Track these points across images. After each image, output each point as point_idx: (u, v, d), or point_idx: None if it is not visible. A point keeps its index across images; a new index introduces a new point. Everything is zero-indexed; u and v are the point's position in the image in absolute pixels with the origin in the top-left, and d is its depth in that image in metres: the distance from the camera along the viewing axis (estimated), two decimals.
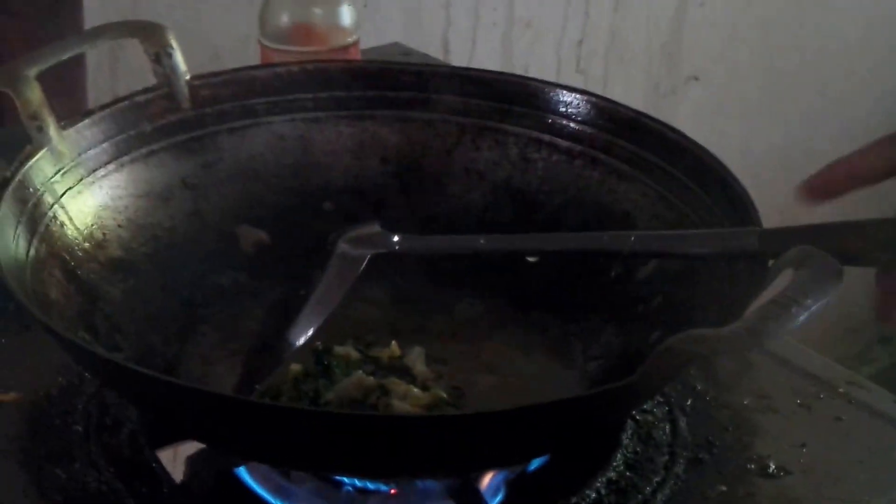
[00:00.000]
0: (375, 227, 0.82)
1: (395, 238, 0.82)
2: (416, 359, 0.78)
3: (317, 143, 0.87)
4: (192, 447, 0.72)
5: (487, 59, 1.55)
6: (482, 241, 0.81)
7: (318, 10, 0.96)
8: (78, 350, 0.64)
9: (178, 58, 0.82)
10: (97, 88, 1.16)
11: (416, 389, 0.74)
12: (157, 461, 0.72)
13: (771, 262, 0.65)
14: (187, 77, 0.83)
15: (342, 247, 0.81)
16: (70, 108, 0.99)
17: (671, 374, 0.63)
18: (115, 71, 1.21)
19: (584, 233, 0.81)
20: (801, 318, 0.54)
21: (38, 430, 0.74)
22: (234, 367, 0.76)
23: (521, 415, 0.57)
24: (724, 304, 0.66)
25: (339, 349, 0.77)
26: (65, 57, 0.79)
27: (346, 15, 0.96)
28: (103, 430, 0.74)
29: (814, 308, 0.55)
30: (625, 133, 0.83)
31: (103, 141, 0.79)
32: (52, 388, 0.77)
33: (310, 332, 0.77)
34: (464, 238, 0.83)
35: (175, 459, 0.73)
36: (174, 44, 0.82)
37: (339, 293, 0.79)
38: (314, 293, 0.79)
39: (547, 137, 0.85)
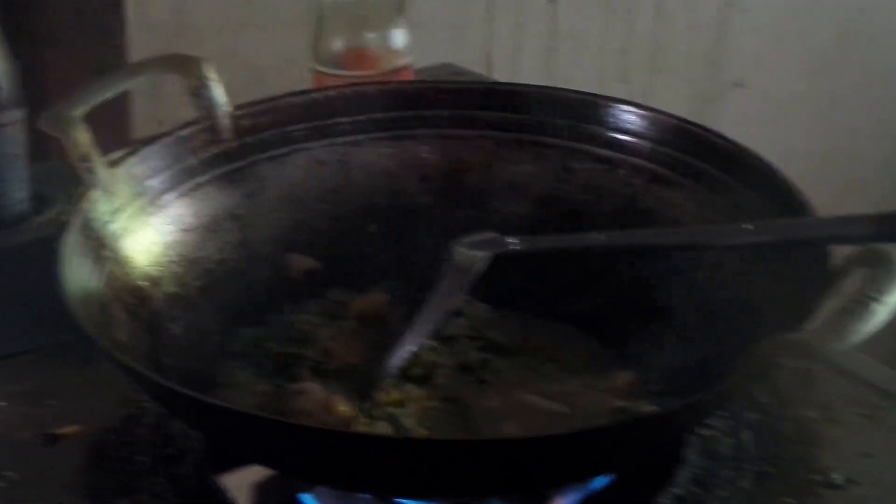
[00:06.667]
0: (490, 234, 0.80)
1: (511, 239, 0.79)
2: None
3: (357, 165, 0.87)
4: (255, 473, 0.72)
5: (531, 71, 1.54)
6: (601, 237, 0.79)
7: (370, 35, 0.96)
8: (150, 383, 0.65)
9: (218, 90, 0.81)
10: (141, 114, 1.16)
11: None
12: (223, 490, 0.72)
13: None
14: (227, 108, 0.82)
15: (460, 251, 0.78)
16: (115, 135, 1.00)
17: (757, 381, 0.63)
18: (157, 95, 1.20)
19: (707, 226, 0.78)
20: (883, 315, 0.55)
21: (101, 463, 0.74)
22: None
23: (619, 430, 0.57)
24: (791, 306, 0.65)
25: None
26: (108, 96, 0.79)
27: (399, 38, 0.96)
28: (168, 461, 0.74)
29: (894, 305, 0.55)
30: (667, 140, 0.83)
31: (150, 177, 0.79)
32: (115, 420, 0.77)
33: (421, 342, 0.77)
34: (579, 237, 0.81)
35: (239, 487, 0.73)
36: (213, 76, 0.81)
37: (456, 301, 0.78)
38: (427, 303, 0.77)
39: (586, 147, 0.85)
